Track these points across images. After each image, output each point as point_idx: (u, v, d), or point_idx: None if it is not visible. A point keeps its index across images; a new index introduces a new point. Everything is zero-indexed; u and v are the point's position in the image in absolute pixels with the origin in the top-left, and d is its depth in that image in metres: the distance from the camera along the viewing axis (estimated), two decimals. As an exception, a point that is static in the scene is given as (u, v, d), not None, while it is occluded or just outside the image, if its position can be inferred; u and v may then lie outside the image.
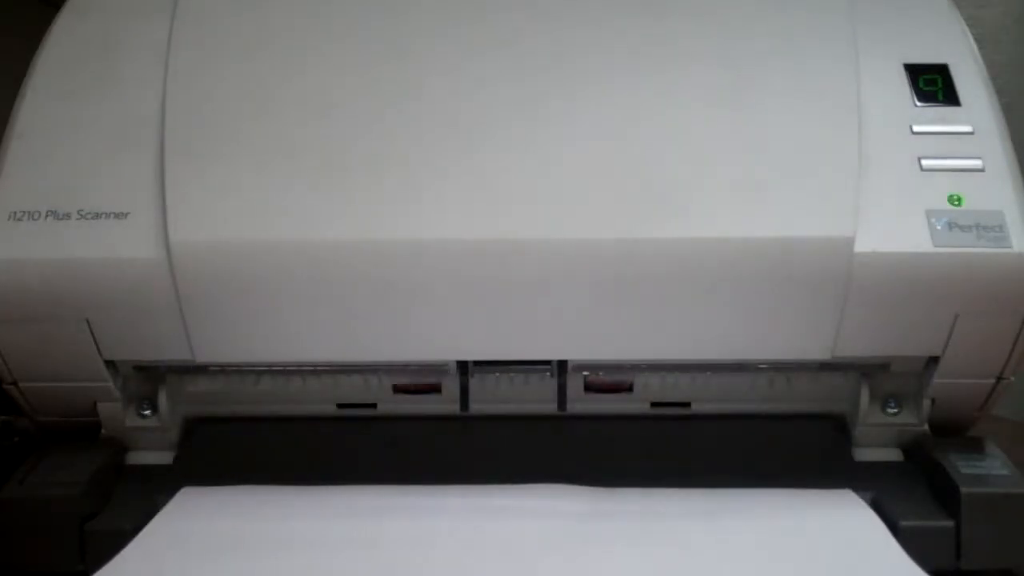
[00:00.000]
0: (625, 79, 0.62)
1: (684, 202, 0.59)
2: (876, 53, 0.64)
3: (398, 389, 0.65)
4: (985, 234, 0.58)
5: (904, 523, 0.58)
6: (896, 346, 0.61)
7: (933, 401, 0.63)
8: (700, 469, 0.62)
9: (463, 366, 0.63)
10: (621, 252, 0.58)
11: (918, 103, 0.62)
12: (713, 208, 0.59)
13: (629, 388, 0.65)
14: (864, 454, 0.65)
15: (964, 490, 0.58)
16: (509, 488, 0.60)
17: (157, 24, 0.64)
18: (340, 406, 0.65)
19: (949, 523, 0.58)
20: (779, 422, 0.65)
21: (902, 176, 0.60)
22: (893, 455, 0.66)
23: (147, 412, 0.65)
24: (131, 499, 0.60)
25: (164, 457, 0.64)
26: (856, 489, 0.60)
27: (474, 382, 0.64)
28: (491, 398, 0.65)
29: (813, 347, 0.61)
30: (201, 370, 0.63)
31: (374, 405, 0.65)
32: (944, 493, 0.59)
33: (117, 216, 0.59)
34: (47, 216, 0.59)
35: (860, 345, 0.61)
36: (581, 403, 0.64)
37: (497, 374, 0.64)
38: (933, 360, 0.62)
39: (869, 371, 0.64)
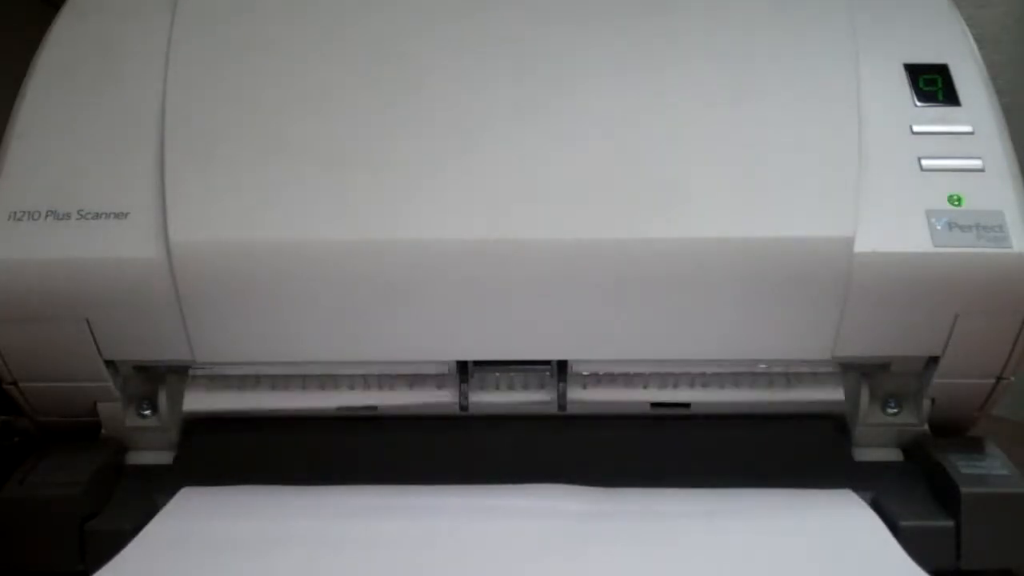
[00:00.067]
0: (625, 79, 0.62)
1: (684, 202, 0.59)
2: (876, 53, 0.64)
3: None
4: (985, 234, 0.58)
5: (904, 523, 0.57)
6: (896, 346, 0.61)
7: (933, 401, 0.63)
8: (700, 468, 0.62)
9: (463, 366, 0.63)
10: (621, 252, 0.58)
11: (918, 103, 0.62)
12: (713, 208, 0.59)
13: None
14: (864, 454, 0.65)
15: (964, 490, 0.58)
16: (509, 488, 0.60)
17: (157, 24, 0.64)
18: (340, 410, 0.65)
19: (949, 523, 0.58)
20: (779, 421, 0.64)
21: (902, 176, 0.60)
22: (893, 455, 0.66)
23: (147, 412, 0.65)
24: (131, 499, 0.60)
25: (164, 457, 0.64)
26: (856, 489, 0.60)
27: (475, 382, 0.64)
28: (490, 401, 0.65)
29: (813, 347, 0.61)
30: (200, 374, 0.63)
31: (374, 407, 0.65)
32: (944, 493, 0.59)
33: (117, 216, 0.59)
34: (47, 216, 0.59)
35: (860, 345, 0.61)
36: (581, 406, 0.64)
37: (497, 374, 0.64)
38: (933, 360, 0.62)
39: (869, 371, 0.64)
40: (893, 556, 0.54)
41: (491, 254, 0.58)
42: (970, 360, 0.61)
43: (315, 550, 0.55)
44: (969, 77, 0.63)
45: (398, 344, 0.61)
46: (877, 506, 0.59)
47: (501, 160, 0.60)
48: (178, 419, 0.64)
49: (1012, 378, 0.62)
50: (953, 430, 0.65)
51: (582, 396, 0.64)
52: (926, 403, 0.63)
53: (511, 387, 0.64)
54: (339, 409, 0.64)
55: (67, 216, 0.59)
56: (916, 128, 0.61)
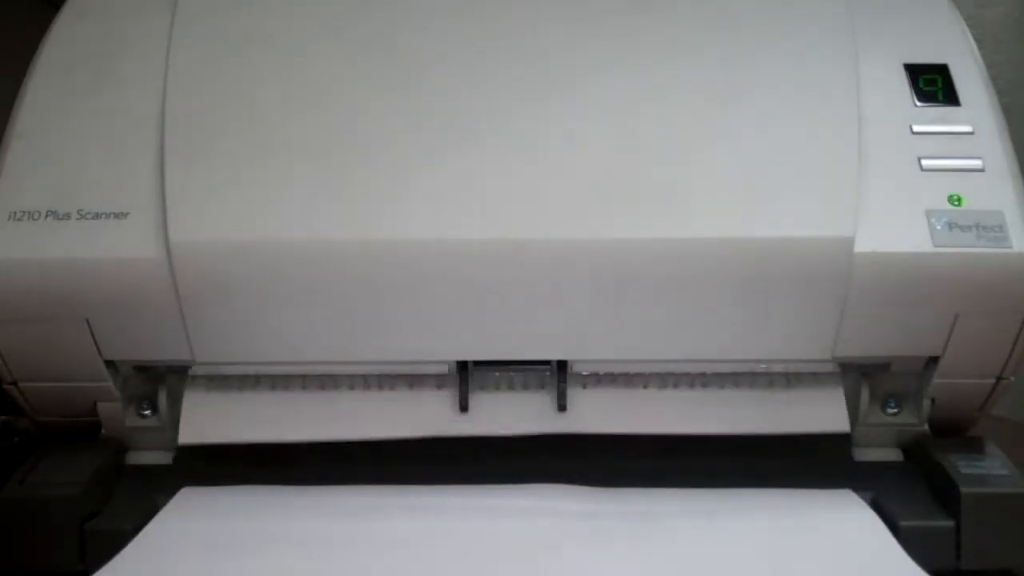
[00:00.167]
0: (625, 79, 0.62)
1: (684, 202, 0.59)
2: (876, 53, 0.64)
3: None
4: (985, 234, 0.58)
5: (904, 523, 0.57)
6: (896, 346, 0.61)
7: (933, 401, 0.63)
8: (700, 467, 0.62)
9: (463, 366, 0.63)
10: (621, 252, 0.58)
11: (918, 103, 0.62)
12: (713, 208, 0.59)
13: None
14: (864, 454, 0.65)
15: (964, 490, 0.58)
16: (509, 488, 0.59)
17: (157, 24, 0.64)
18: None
19: (949, 523, 0.58)
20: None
21: (902, 176, 0.60)
22: (893, 455, 0.66)
23: (147, 412, 0.65)
24: (131, 499, 0.60)
25: (164, 457, 0.64)
26: (856, 489, 0.60)
27: (475, 382, 0.64)
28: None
29: (813, 347, 0.61)
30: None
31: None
32: (944, 493, 0.59)
33: (117, 216, 0.59)
34: (47, 216, 0.59)
35: (860, 345, 0.61)
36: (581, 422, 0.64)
37: (497, 374, 0.64)
38: (933, 360, 0.62)
39: (869, 371, 0.64)
40: (893, 556, 0.54)
41: (491, 254, 0.58)
42: (970, 360, 0.61)
43: (315, 550, 0.55)
44: (969, 77, 0.63)
45: (398, 344, 0.61)
46: (877, 506, 0.59)
47: (502, 160, 0.60)
48: (178, 421, 0.64)
49: (1012, 378, 0.62)
50: (953, 430, 0.65)
51: (582, 396, 0.64)
52: (926, 403, 0.63)
53: (511, 387, 0.64)
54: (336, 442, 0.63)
55: (67, 216, 0.59)
56: (916, 128, 0.61)
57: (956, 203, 0.59)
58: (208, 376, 0.63)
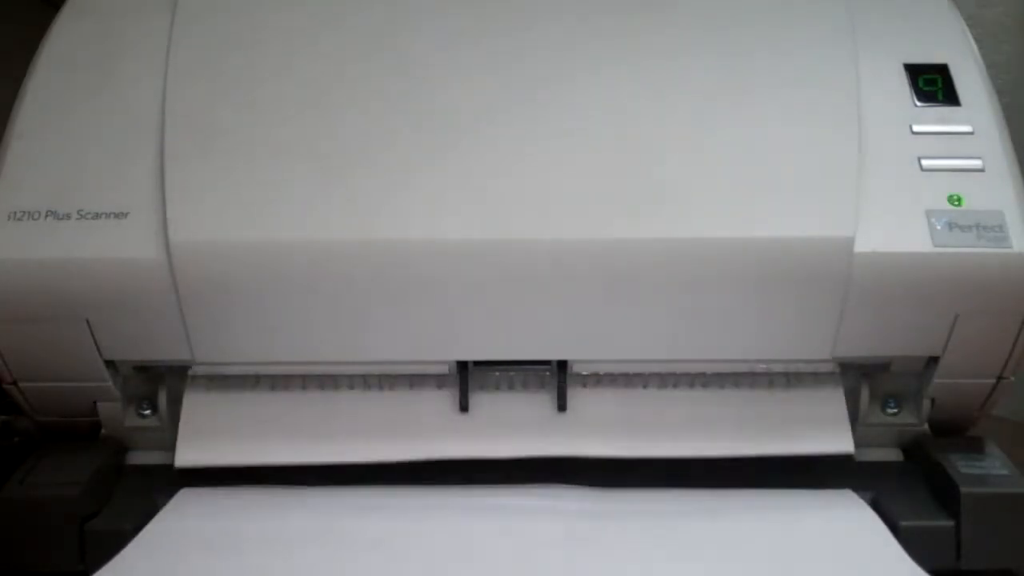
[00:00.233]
0: (625, 79, 0.62)
1: (684, 202, 0.59)
2: (876, 53, 0.64)
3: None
4: (985, 234, 0.58)
5: (904, 523, 0.58)
6: (896, 346, 0.61)
7: (933, 401, 0.63)
8: (700, 466, 0.62)
9: (463, 366, 0.63)
10: (621, 252, 0.58)
11: (918, 103, 0.62)
12: (713, 208, 0.59)
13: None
14: (864, 454, 0.65)
15: (964, 490, 0.58)
16: (509, 489, 0.59)
17: (157, 24, 0.64)
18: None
19: (949, 523, 0.58)
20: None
21: (902, 176, 0.60)
22: (893, 455, 0.66)
23: (147, 412, 0.65)
24: (131, 499, 0.60)
25: (164, 457, 0.64)
26: (856, 489, 0.60)
27: (475, 382, 0.64)
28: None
29: (813, 347, 0.61)
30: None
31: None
32: (944, 493, 0.59)
33: (117, 216, 0.59)
34: (47, 216, 0.59)
35: (860, 345, 0.61)
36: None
37: (497, 373, 0.64)
38: (933, 360, 0.62)
39: (869, 371, 0.64)
40: (893, 556, 0.54)
41: (491, 254, 0.58)
42: (970, 360, 0.61)
43: (314, 549, 0.55)
44: (969, 77, 0.63)
45: (398, 344, 0.61)
46: (877, 506, 0.59)
47: (502, 160, 0.60)
48: (177, 421, 0.64)
49: (1012, 378, 0.62)
50: (953, 430, 0.65)
51: (582, 396, 0.64)
52: (926, 403, 0.63)
53: (511, 387, 0.64)
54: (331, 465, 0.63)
55: (67, 216, 0.59)
56: (916, 128, 0.61)
57: (956, 203, 0.59)
58: (208, 376, 0.63)
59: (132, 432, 0.65)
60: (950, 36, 0.65)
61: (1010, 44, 1.08)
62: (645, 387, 0.64)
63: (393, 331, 0.60)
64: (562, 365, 0.63)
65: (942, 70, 0.63)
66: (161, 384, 0.64)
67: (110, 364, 0.62)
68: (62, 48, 0.65)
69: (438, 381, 0.64)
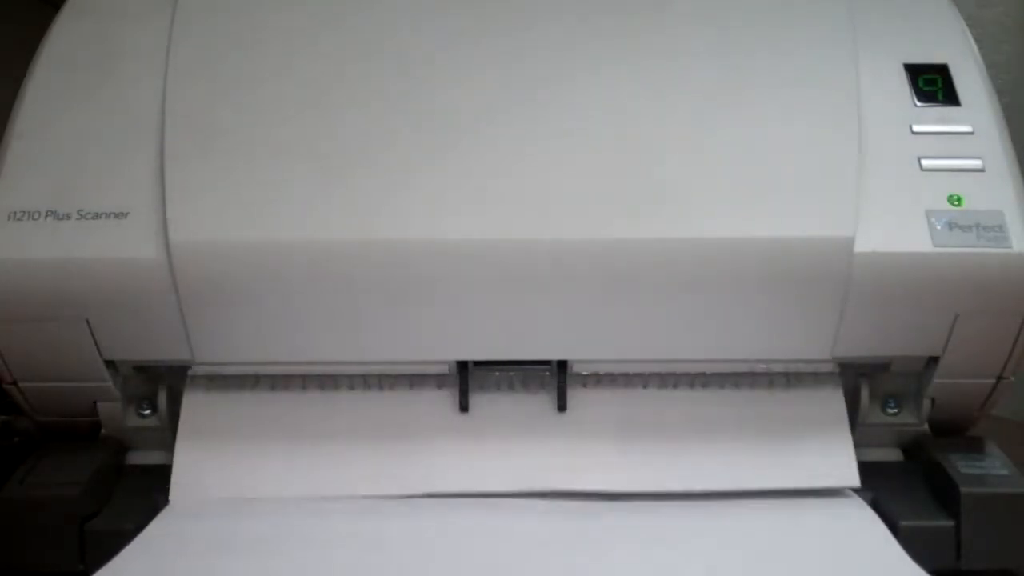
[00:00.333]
0: (625, 79, 0.62)
1: (684, 202, 0.59)
2: (876, 53, 0.64)
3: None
4: (985, 234, 0.58)
5: (904, 523, 0.58)
6: (896, 346, 0.61)
7: (933, 401, 0.63)
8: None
9: (463, 366, 0.63)
10: (621, 252, 0.58)
11: (918, 103, 0.62)
12: (713, 208, 0.59)
13: None
14: (864, 454, 0.64)
15: (964, 490, 0.58)
16: (509, 500, 0.59)
17: (157, 24, 0.64)
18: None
19: (949, 523, 0.58)
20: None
21: (902, 176, 0.60)
22: (893, 455, 0.66)
23: (147, 412, 0.65)
24: (131, 499, 0.60)
25: (164, 457, 0.64)
26: (856, 489, 0.60)
27: (475, 382, 0.64)
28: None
29: (813, 347, 0.61)
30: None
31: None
32: (944, 493, 0.59)
33: (117, 216, 0.59)
34: (47, 216, 0.59)
35: (860, 345, 0.61)
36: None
37: (497, 373, 0.64)
38: (933, 360, 0.62)
39: (869, 371, 0.64)
40: (894, 557, 0.54)
41: (491, 254, 0.58)
42: (970, 360, 0.61)
43: (313, 550, 0.55)
44: (969, 77, 0.63)
45: (398, 344, 0.61)
46: (877, 506, 0.59)
47: (502, 160, 0.60)
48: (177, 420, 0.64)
49: (1012, 378, 0.62)
50: (953, 430, 0.65)
51: (582, 396, 0.64)
52: (926, 403, 0.63)
53: (511, 387, 0.64)
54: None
55: (67, 216, 0.59)
56: (916, 128, 0.61)
57: (956, 203, 0.59)
58: (208, 376, 0.63)
59: (132, 432, 0.65)
60: (950, 36, 0.65)
61: (1010, 44, 1.08)
62: (645, 387, 0.64)
63: (393, 331, 0.60)
64: (562, 365, 0.63)
65: (942, 70, 0.63)
66: (161, 384, 0.64)
67: (110, 364, 0.62)
68: (62, 48, 0.65)
69: (438, 381, 0.64)
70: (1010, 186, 0.60)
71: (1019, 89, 0.99)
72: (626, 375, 0.64)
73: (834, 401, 0.63)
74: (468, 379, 0.63)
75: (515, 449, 0.62)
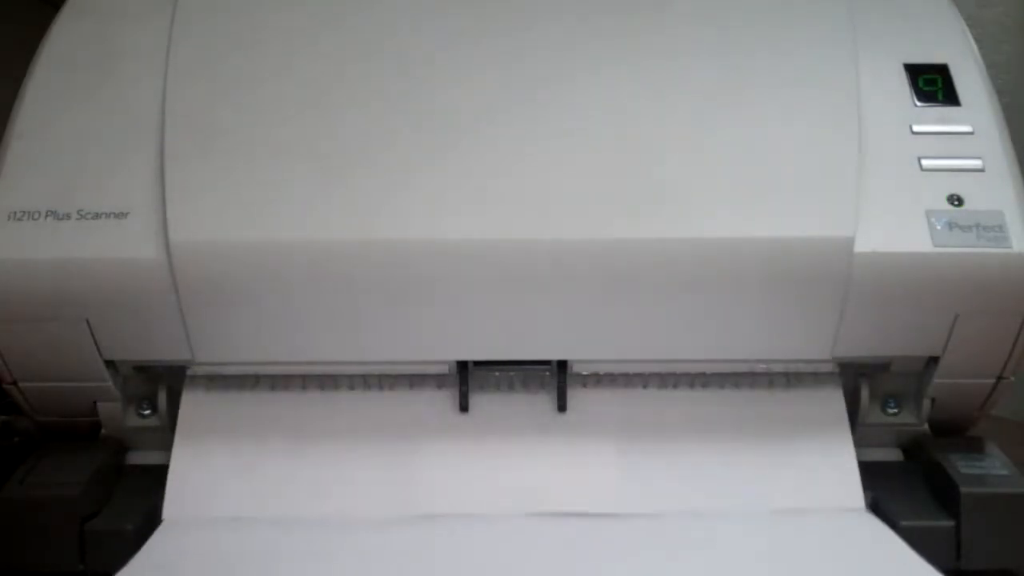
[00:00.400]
0: (625, 79, 0.62)
1: (684, 202, 0.59)
2: (876, 53, 0.64)
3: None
4: (985, 234, 0.58)
5: (904, 523, 0.58)
6: (896, 346, 0.61)
7: (933, 401, 0.63)
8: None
9: (463, 366, 0.63)
10: (621, 252, 0.58)
11: (918, 103, 0.62)
12: (713, 208, 0.59)
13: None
14: (864, 454, 0.65)
15: (964, 490, 0.58)
16: (509, 519, 0.59)
17: (157, 24, 0.64)
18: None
19: (949, 523, 0.58)
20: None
21: (902, 176, 0.60)
22: (893, 455, 0.66)
23: (147, 412, 0.65)
24: (131, 499, 0.60)
25: (164, 457, 0.64)
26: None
27: (475, 382, 0.64)
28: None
29: (813, 347, 0.61)
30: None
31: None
32: (944, 493, 0.59)
33: (117, 216, 0.59)
34: (47, 216, 0.59)
35: (860, 345, 0.61)
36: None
37: (497, 374, 0.64)
38: (933, 360, 0.62)
39: (869, 371, 0.64)
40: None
41: (491, 254, 0.58)
42: (970, 360, 0.61)
43: (312, 563, 0.55)
44: (969, 77, 0.63)
45: (398, 344, 0.61)
46: (877, 506, 0.59)
47: (502, 160, 0.60)
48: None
49: (1012, 378, 0.62)
50: (953, 430, 0.65)
51: (582, 396, 0.64)
52: (926, 403, 0.63)
53: (511, 387, 0.64)
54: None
55: (67, 216, 0.59)
56: (916, 128, 0.61)
57: (956, 203, 0.59)
58: (208, 376, 0.63)
59: (132, 432, 0.65)
60: (950, 36, 0.65)
61: (1010, 44, 1.08)
62: (645, 387, 0.64)
63: (393, 331, 0.60)
64: (562, 365, 0.63)
65: (942, 70, 0.63)
66: (161, 384, 0.64)
67: (110, 364, 0.62)
68: (62, 48, 0.65)
69: (438, 381, 0.64)
70: (1010, 186, 0.60)
71: (1019, 89, 0.99)
72: (626, 375, 0.64)
73: (834, 401, 0.63)
74: (468, 379, 0.63)
75: (515, 449, 0.62)
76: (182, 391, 0.63)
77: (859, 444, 0.64)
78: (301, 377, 0.64)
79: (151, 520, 0.59)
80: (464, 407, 0.63)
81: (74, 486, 0.58)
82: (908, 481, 0.62)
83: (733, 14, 0.64)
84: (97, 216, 0.59)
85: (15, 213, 0.59)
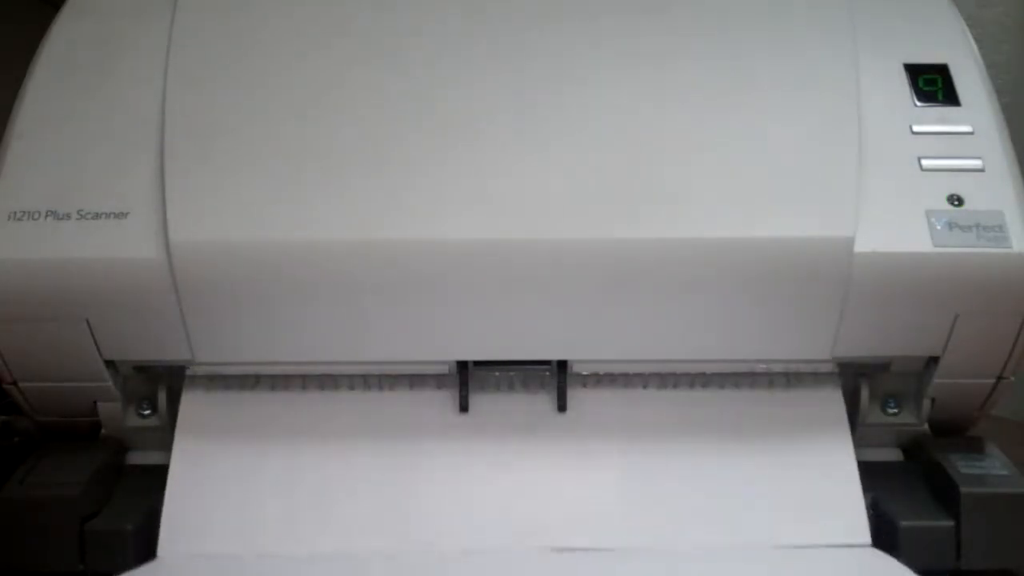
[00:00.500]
0: (625, 79, 0.62)
1: (684, 202, 0.59)
2: (876, 53, 0.64)
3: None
4: (985, 234, 0.58)
5: (904, 523, 0.58)
6: (896, 346, 0.61)
7: (933, 401, 0.63)
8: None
9: (463, 366, 0.63)
10: (621, 252, 0.58)
11: (918, 103, 0.62)
12: (713, 208, 0.59)
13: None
14: (864, 454, 0.65)
15: (964, 490, 0.58)
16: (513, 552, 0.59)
17: (157, 24, 0.64)
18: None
19: (949, 523, 0.58)
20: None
21: (902, 176, 0.60)
22: (893, 455, 0.66)
23: (147, 412, 0.65)
24: (131, 499, 0.60)
25: (164, 457, 0.64)
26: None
27: (475, 382, 0.64)
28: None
29: (813, 347, 0.61)
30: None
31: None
32: (944, 493, 0.59)
33: (117, 216, 0.59)
34: (47, 216, 0.59)
35: (860, 345, 0.61)
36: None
37: (497, 374, 0.64)
38: (933, 360, 0.62)
39: (869, 371, 0.64)
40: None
41: (491, 254, 0.58)
42: (970, 360, 0.61)
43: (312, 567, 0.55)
44: (969, 77, 0.63)
45: (398, 344, 0.61)
46: (876, 506, 0.59)
47: (502, 160, 0.60)
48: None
49: (1012, 378, 0.62)
50: (953, 430, 0.65)
51: (582, 396, 0.64)
52: (926, 403, 0.63)
53: (511, 387, 0.64)
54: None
55: (67, 216, 0.59)
56: (916, 128, 0.61)
57: (956, 203, 0.59)
58: (207, 376, 0.63)
59: (132, 432, 0.65)
60: (950, 36, 0.65)
61: (1010, 44, 1.08)
62: (645, 387, 0.64)
63: (393, 331, 0.60)
64: (562, 365, 0.63)
65: (942, 70, 0.63)
66: (161, 384, 0.64)
67: (110, 364, 0.62)
68: (62, 48, 0.65)
69: (438, 381, 0.64)
70: (1010, 186, 0.60)
71: (1019, 89, 0.99)
72: (626, 375, 0.64)
73: (834, 401, 0.63)
74: (468, 379, 0.63)
75: (515, 449, 0.62)
76: (182, 391, 0.63)
77: (859, 444, 0.64)
78: (301, 377, 0.64)
79: (151, 520, 0.59)
80: (464, 407, 0.63)
81: (74, 486, 0.58)
82: (908, 481, 0.62)
83: (733, 14, 0.64)
84: (97, 216, 0.59)
85: (15, 213, 0.59)
